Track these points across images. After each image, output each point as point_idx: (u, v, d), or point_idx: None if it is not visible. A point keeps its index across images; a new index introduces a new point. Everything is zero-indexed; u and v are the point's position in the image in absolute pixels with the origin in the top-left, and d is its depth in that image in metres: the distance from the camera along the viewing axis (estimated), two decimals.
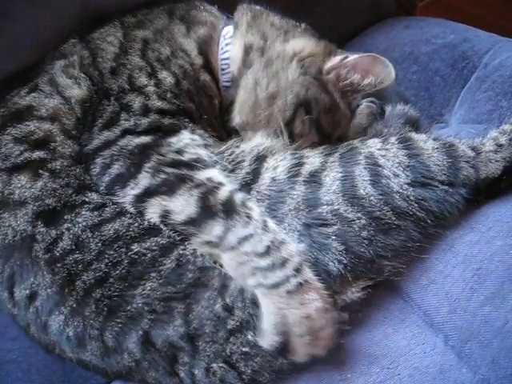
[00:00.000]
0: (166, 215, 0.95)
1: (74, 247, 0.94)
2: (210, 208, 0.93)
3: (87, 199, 0.99)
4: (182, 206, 0.94)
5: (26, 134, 1.04)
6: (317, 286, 0.89)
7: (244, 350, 0.89)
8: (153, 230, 0.96)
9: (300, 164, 1.03)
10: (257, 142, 1.11)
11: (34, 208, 0.97)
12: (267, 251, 0.90)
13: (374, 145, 1.06)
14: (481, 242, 1.03)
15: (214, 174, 0.99)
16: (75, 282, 0.92)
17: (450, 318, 0.98)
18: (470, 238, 1.04)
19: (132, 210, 0.98)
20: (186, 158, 1.00)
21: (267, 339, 0.87)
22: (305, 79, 1.15)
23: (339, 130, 1.19)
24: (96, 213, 0.97)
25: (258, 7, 1.28)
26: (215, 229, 0.92)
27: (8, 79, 1.20)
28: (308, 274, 0.90)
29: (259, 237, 0.91)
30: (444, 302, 0.99)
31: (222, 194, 0.96)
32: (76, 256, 0.93)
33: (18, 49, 1.20)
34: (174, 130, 1.05)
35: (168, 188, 0.96)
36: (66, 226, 0.96)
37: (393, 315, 1.00)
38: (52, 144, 1.03)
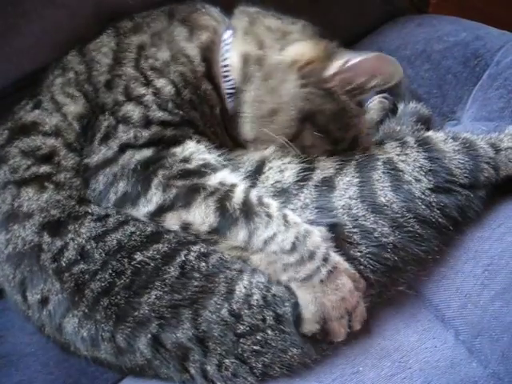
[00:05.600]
0: (186, 227, 0.94)
1: (79, 257, 0.94)
2: (230, 215, 0.92)
3: (90, 210, 0.99)
4: (201, 217, 0.92)
5: (32, 148, 1.04)
6: (345, 267, 0.91)
7: (255, 348, 0.90)
8: (155, 236, 0.95)
9: (311, 169, 1.00)
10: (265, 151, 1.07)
11: (40, 219, 0.98)
12: (293, 247, 0.90)
13: (392, 150, 1.03)
14: (492, 238, 1.04)
15: (225, 175, 0.97)
16: (84, 291, 0.93)
17: (460, 312, 0.98)
18: (480, 234, 1.05)
19: (143, 219, 0.97)
20: (193, 165, 0.98)
21: (308, 327, 0.90)
22: (306, 91, 1.05)
23: (353, 130, 1.10)
24: (99, 223, 0.97)
25: (253, 9, 1.20)
26: (239, 234, 0.91)
27: (23, 79, 1.22)
28: (335, 258, 0.91)
29: (283, 234, 0.90)
30: (455, 297, 1.00)
31: (238, 196, 0.94)
32: (82, 266, 0.94)
33: (36, 49, 1.22)
34: (177, 141, 1.01)
35: (182, 202, 0.94)
36: (70, 236, 0.96)
37: (404, 310, 1.01)
38: (56, 158, 1.04)
